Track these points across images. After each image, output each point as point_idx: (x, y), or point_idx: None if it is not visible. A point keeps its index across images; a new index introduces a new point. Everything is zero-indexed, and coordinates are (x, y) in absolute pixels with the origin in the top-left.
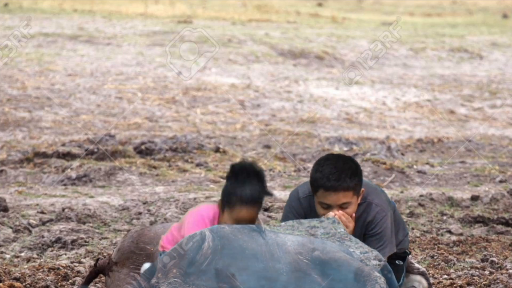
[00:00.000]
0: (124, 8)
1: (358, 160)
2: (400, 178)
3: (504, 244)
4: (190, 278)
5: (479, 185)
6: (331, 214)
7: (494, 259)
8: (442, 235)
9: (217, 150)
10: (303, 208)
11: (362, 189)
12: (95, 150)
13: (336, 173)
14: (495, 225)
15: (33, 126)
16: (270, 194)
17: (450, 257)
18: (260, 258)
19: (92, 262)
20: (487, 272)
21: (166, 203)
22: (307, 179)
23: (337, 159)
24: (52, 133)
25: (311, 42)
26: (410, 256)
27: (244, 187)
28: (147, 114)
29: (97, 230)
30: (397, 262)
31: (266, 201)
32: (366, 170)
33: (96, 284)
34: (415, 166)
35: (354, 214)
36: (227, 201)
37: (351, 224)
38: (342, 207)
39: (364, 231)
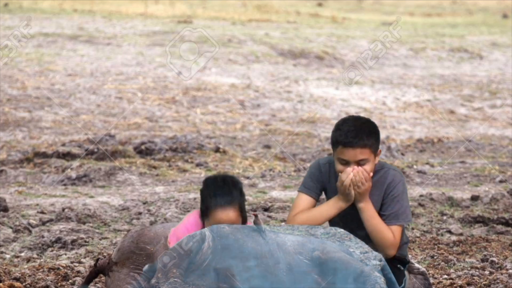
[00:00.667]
0: (124, 8)
1: None
2: None
3: (504, 244)
4: (190, 278)
5: (479, 185)
6: (349, 169)
7: (494, 259)
8: (442, 235)
9: (217, 150)
10: (322, 174)
11: (379, 149)
12: (95, 150)
13: (354, 131)
14: (495, 225)
15: (33, 126)
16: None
17: (450, 257)
18: (260, 258)
19: (92, 262)
20: (487, 272)
21: (166, 203)
22: None
23: (355, 119)
24: (52, 133)
25: (311, 42)
26: (410, 256)
27: (216, 192)
28: (147, 114)
29: (97, 230)
30: (398, 266)
31: (266, 201)
32: None
33: (96, 284)
34: (415, 166)
35: (371, 173)
36: (204, 210)
37: (368, 183)
38: (360, 164)
39: (383, 195)
